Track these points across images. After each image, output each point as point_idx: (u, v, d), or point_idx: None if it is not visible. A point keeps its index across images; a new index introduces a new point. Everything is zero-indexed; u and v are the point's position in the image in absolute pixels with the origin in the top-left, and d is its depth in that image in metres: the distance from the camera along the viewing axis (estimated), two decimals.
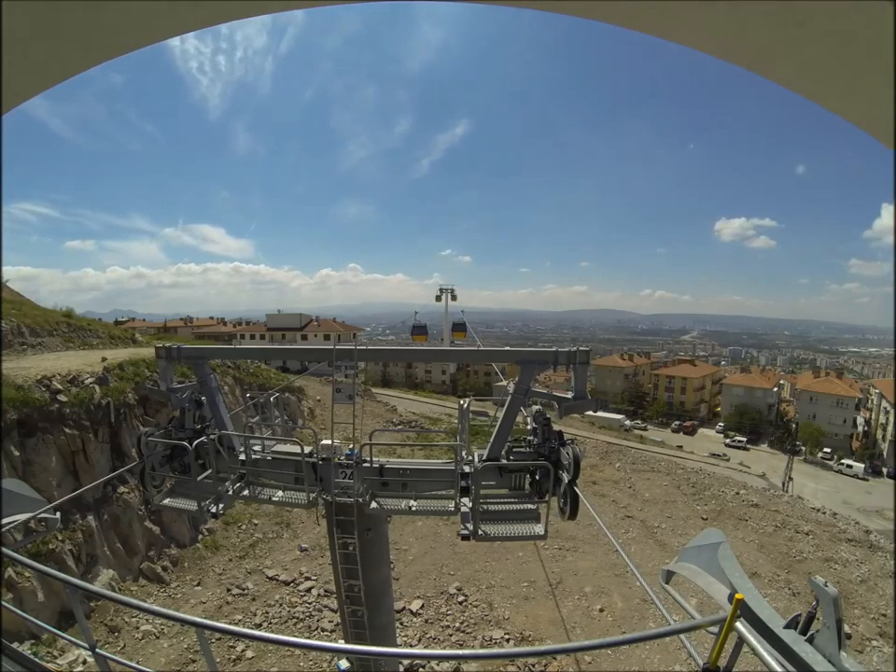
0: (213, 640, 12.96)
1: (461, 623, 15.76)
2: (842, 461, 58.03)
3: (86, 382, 16.08)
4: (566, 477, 5.71)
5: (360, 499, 5.97)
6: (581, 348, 5.97)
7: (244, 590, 16.48)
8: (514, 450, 6.43)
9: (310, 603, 16.18)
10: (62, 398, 14.89)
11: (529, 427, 6.54)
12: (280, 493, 6.41)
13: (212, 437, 6.22)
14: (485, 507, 5.95)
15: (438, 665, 13.37)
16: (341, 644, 9.84)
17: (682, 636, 2.99)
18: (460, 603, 16.81)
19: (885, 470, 57.66)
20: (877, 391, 73.88)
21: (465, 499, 5.94)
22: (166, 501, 6.41)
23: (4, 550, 3.52)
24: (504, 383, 7.23)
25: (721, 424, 79.42)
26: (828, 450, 64.42)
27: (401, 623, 15.45)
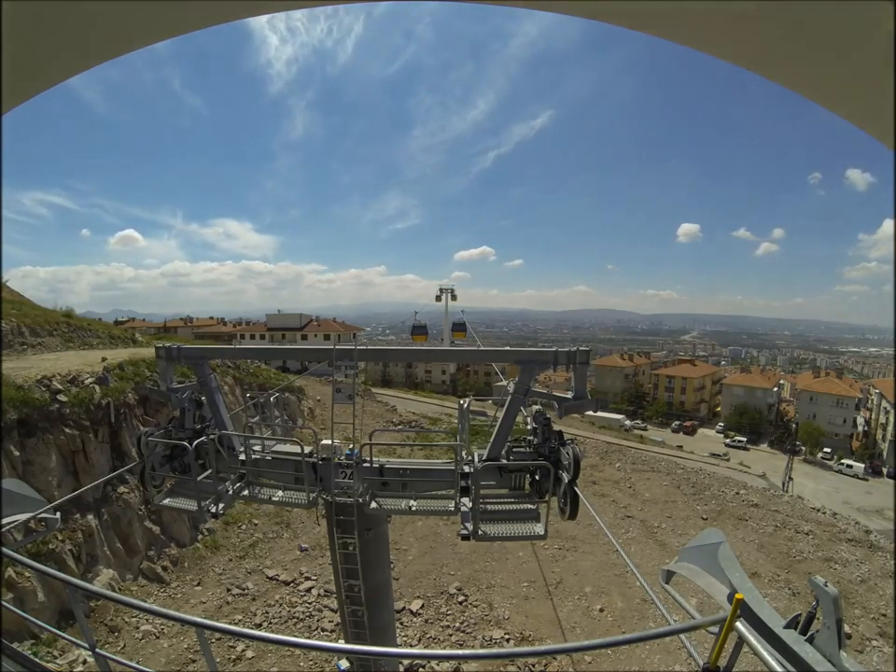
0: (213, 640, 12.96)
1: (461, 623, 15.76)
2: (842, 461, 58.02)
3: (86, 382, 16.07)
4: (566, 477, 5.71)
5: (360, 499, 5.97)
6: (580, 348, 5.96)
7: (244, 590, 16.48)
8: (514, 450, 6.42)
9: (310, 603, 16.18)
10: (62, 398, 14.88)
11: (529, 426, 6.54)
12: (280, 493, 6.40)
13: (212, 437, 6.21)
14: (485, 507, 5.94)
15: (438, 664, 13.37)
16: (341, 644, 9.85)
17: (682, 636, 2.99)
18: (460, 603, 16.81)
19: (885, 470, 57.67)
20: (877, 391, 73.88)
21: (465, 499, 5.94)
22: (166, 501, 6.40)
23: (4, 550, 3.52)
24: (504, 383, 7.22)
25: (721, 424, 79.45)
26: (828, 450, 64.42)
27: (401, 623, 15.45)
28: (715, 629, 2.67)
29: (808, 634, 2.59)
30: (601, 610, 16.84)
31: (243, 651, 13.41)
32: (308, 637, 14.48)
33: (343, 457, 6.54)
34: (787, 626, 2.67)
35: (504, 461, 6.30)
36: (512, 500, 6.30)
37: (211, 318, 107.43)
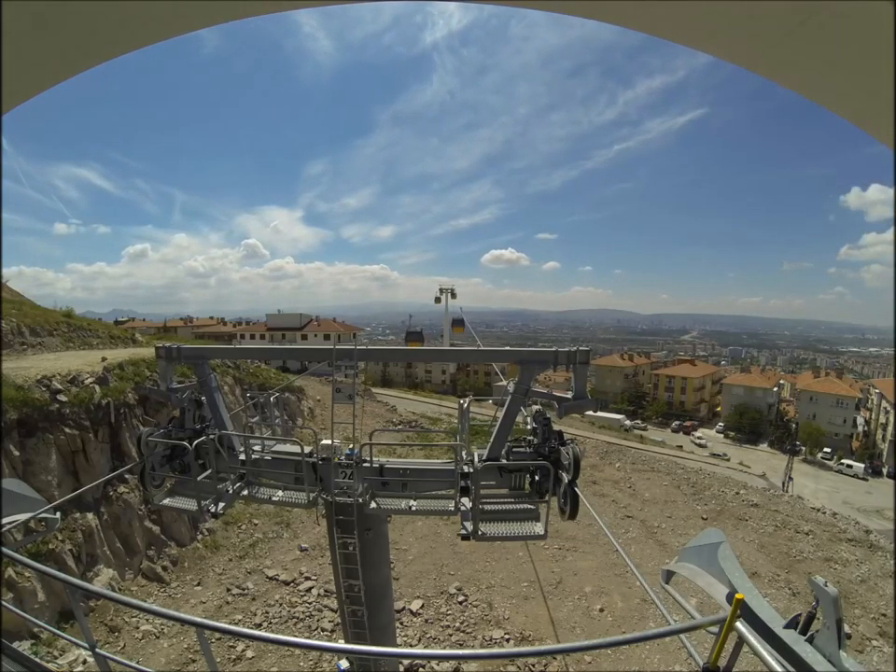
0: (213, 640, 12.95)
1: (461, 623, 15.76)
2: (842, 461, 58.11)
3: (86, 382, 16.08)
4: (566, 477, 5.70)
5: (360, 499, 5.97)
6: (580, 348, 5.95)
7: (244, 590, 16.48)
8: (514, 450, 6.42)
9: (310, 603, 16.18)
10: (62, 398, 14.89)
11: (529, 426, 6.53)
12: (280, 493, 6.40)
13: (212, 437, 6.21)
14: (485, 507, 5.94)
15: (438, 664, 13.37)
16: (341, 644, 9.84)
17: (682, 636, 2.99)
18: (460, 603, 16.80)
19: (885, 470, 57.72)
20: (877, 391, 73.93)
21: (465, 499, 5.93)
22: (166, 501, 6.40)
23: (4, 550, 3.52)
24: (504, 383, 7.21)
25: (721, 424, 79.53)
26: (828, 450, 64.49)
27: (401, 623, 15.44)
28: (715, 629, 2.67)
29: (808, 634, 2.59)
30: (601, 610, 16.84)
31: (243, 650, 13.41)
32: (308, 637, 14.48)
33: (342, 457, 6.54)
34: (787, 626, 2.68)
35: (504, 461, 6.30)
36: (512, 500, 6.29)
37: (211, 318, 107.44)
